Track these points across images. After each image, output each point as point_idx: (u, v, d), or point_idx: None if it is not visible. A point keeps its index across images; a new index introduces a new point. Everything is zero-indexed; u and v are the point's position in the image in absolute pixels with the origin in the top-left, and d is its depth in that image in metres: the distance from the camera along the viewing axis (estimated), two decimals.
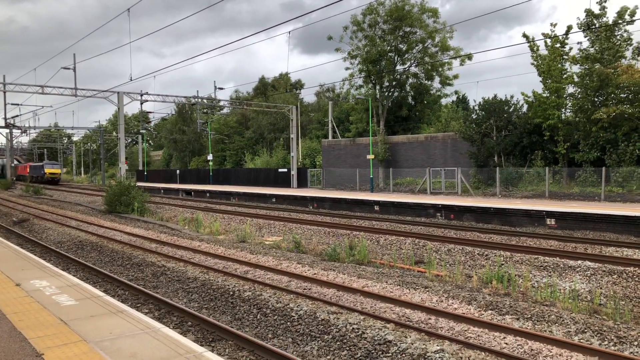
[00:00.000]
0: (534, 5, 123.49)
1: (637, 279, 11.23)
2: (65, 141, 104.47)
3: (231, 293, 10.28)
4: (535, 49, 29.95)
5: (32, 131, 78.96)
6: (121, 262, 14.09)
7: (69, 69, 33.92)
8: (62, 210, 30.49)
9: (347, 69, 44.33)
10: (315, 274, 11.86)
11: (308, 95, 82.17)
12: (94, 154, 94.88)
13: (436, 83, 43.84)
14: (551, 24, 35.33)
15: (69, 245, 17.31)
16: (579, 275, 11.82)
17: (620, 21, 26.73)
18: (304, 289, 10.53)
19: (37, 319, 6.62)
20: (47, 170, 70.22)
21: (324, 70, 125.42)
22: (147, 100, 39.14)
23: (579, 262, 12.72)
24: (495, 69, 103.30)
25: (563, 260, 12.99)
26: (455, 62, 41.39)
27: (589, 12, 27.70)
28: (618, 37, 27.26)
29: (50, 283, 8.76)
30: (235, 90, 74.59)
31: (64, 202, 36.40)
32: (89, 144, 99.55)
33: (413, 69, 42.87)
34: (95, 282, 11.59)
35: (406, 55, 41.90)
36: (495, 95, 32.38)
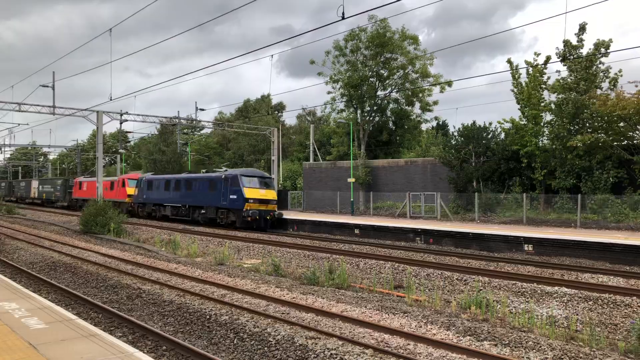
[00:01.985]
0: (517, 36, 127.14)
1: (612, 306, 11.35)
2: (42, 159, 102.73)
3: (208, 317, 10.09)
4: (517, 76, 30.68)
5: (6, 149, 76.10)
6: (95, 284, 13.75)
7: (47, 86, 33.53)
8: (36, 230, 29.80)
9: (329, 92, 44.85)
10: (294, 298, 11.73)
11: (290, 118, 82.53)
12: (71, 173, 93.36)
13: (416, 109, 44.56)
14: (535, 53, 36.31)
15: (42, 266, 16.86)
16: (556, 301, 11.91)
17: (596, 53, 27.59)
18: (282, 313, 10.39)
19: (4, 342, 6.38)
20: (253, 193, 28.40)
21: (309, 94, 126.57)
22: (126, 120, 38.80)
23: (556, 288, 12.82)
24: (476, 96, 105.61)
25: (540, 286, 13.08)
26: (436, 89, 42.11)
27: (566, 43, 28.54)
28: (594, 68, 28.12)
29: (20, 305, 8.48)
30: (219, 112, 74.60)
31: (37, 222, 35.60)
32: (65, 163, 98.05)
33: (394, 95, 43.52)
34: (68, 304, 11.27)
35: (387, 81, 42.54)
36: (474, 122, 32.95)
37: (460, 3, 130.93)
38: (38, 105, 34.27)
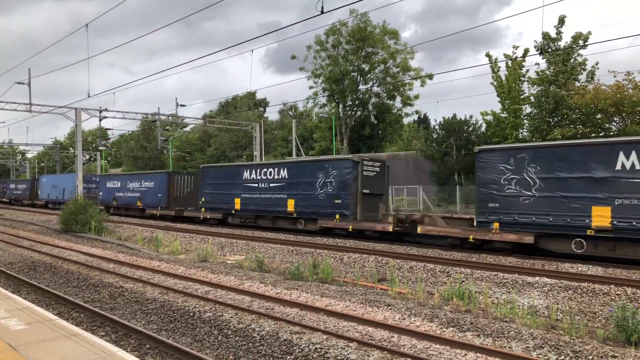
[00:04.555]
0: (502, 31, 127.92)
1: (591, 294, 11.56)
2: (19, 158, 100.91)
3: (191, 314, 10.04)
4: (496, 69, 30.97)
5: None
6: (76, 284, 13.58)
7: (23, 83, 32.88)
8: (14, 229, 29.30)
9: (310, 87, 44.80)
10: (278, 293, 11.73)
11: (272, 113, 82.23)
12: (50, 172, 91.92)
13: (398, 103, 44.79)
14: (513, 46, 36.58)
15: (21, 266, 16.59)
16: (537, 291, 12.09)
17: (574, 46, 27.99)
18: (267, 308, 10.38)
19: None
20: None
21: (294, 89, 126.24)
22: (106, 117, 38.28)
23: (537, 278, 13.01)
24: (460, 89, 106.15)
25: (522, 276, 13.26)
26: (417, 83, 42.36)
27: (545, 36, 28.88)
28: (572, 61, 28.52)
29: None
30: (210, 110, 73.98)
31: (15, 221, 35.01)
32: (44, 161, 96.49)
33: (375, 89, 43.63)
34: (48, 304, 11.11)
35: (368, 75, 42.63)
36: (454, 115, 33.23)
37: None
38: (14, 103, 33.63)
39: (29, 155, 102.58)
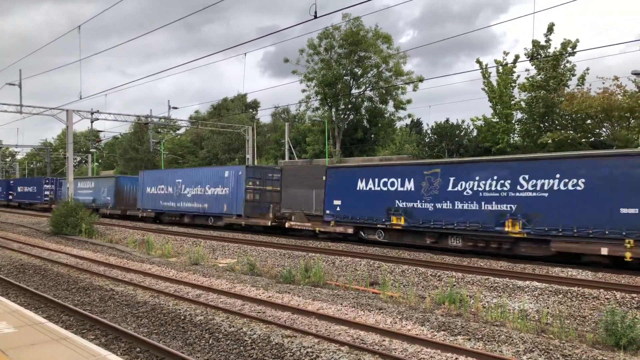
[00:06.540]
0: (498, 38, 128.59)
1: (581, 298, 11.64)
2: (9, 159, 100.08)
3: (182, 317, 10.00)
4: (487, 75, 31.20)
5: None
6: (66, 287, 13.48)
7: (14, 85, 32.63)
8: (3, 231, 29.05)
9: (303, 91, 44.88)
10: (269, 296, 11.71)
11: (265, 116, 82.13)
12: (40, 173, 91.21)
13: (390, 107, 44.94)
14: (504, 52, 36.78)
15: (9, 269, 16.45)
16: (528, 295, 12.16)
17: (563, 52, 28.29)
18: (258, 312, 10.36)
19: None
20: None
21: (289, 92, 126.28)
22: (97, 119, 38.03)
23: (527, 282, 13.08)
24: (455, 94, 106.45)
25: (512, 280, 13.33)
26: (410, 87, 42.55)
27: (535, 43, 29.16)
28: (562, 67, 28.81)
29: None
30: (196, 111, 73.79)
31: (5, 224, 34.69)
32: (34, 162, 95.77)
33: (368, 93, 43.76)
34: (38, 307, 11.03)
35: (361, 79, 42.75)
36: (447, 119, 33.42)
37: (445, 6, 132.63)
38: (4, 104, 33.36)
39: (19, 157, 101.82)
